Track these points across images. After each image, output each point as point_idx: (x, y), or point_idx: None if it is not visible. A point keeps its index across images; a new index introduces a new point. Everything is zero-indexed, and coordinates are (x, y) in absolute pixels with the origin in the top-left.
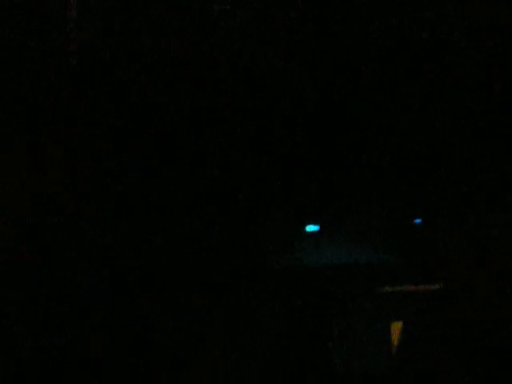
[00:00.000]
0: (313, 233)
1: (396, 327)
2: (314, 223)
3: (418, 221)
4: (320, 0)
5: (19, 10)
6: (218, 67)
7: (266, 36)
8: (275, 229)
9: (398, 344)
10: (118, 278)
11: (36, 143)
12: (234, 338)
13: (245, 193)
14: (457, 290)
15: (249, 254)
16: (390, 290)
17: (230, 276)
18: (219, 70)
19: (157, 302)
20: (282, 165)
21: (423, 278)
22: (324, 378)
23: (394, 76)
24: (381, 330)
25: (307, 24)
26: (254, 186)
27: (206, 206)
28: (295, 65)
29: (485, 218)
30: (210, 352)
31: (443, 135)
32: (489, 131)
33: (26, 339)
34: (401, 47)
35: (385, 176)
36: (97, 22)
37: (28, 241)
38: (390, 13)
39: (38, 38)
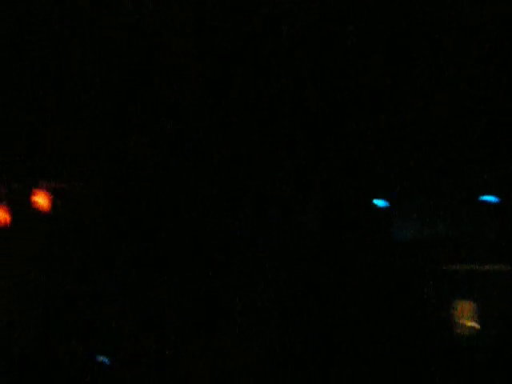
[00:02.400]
0: (382, 208)
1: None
2: (384, 198)
3: (489, 198)
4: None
5: None
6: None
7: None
8: (343, 205)
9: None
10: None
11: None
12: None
13: (312, 167)
14: None
15: (317, 231)
16: (461, 268)
17: (298, 252)
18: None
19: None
20: (351, 140)
21: (495, 254)
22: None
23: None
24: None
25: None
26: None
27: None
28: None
29: None
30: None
31: None
32: None
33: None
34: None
35: (458, 151)
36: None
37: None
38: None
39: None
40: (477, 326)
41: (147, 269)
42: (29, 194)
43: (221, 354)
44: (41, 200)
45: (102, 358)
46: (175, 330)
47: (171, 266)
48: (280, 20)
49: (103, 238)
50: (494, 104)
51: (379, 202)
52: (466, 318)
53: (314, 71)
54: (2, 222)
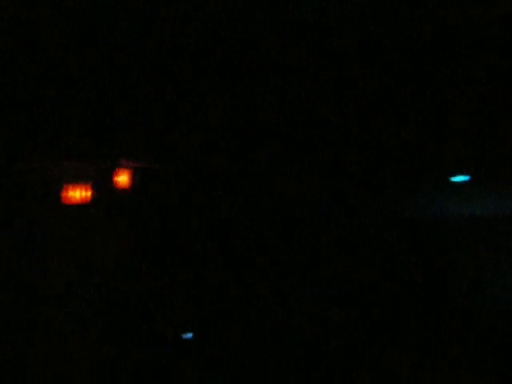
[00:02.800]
0: (462, 183)
1: None
2: (464, 174)
3: None
4: None
5: None
6: None
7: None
8: (423, 180)
9: None
10: None
11: None
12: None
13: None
14: None
15: (395, 205)
16: None
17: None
18: None
19: None
20: (432, 117)
21: None
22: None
23: None
24: None
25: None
26: (404, 137)
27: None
28: None
29: None
30: None
31: None
32: None
33: None
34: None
35: None
36: None
37: None
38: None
39: None
40: None
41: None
42: (111, 174)
43: None
44: (122, 179)
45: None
46: None
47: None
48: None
49: (181, 218)
50: None
51: (458, 178)
52: None
53: None
54: (84, 199)
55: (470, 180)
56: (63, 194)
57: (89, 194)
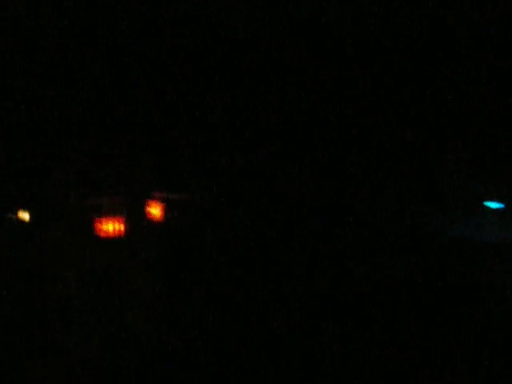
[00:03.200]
0: (496, 209)
1: None
2: (498, 201)
3: None
4: None
5: None
6: None
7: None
8: (457, 204)
9: None
10: None
11: None
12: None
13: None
14: None
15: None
16: None
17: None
18: None
19: None
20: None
21: None
22: None
23: None
24: None
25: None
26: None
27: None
28: None
29: None
30: None
31: None
32: None
33: None
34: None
35: None
36: None
37: None
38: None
39: None
40: None
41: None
42: (143, 205)
43: None
44: (155, 210)
45: None
46: None
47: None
48: None
49: (213, 247)
50: None
51: (492, 204)
52: None
53: None
54: (118, 231)
55: (504, 207)
56: (99, 227)
57: (123, 226)
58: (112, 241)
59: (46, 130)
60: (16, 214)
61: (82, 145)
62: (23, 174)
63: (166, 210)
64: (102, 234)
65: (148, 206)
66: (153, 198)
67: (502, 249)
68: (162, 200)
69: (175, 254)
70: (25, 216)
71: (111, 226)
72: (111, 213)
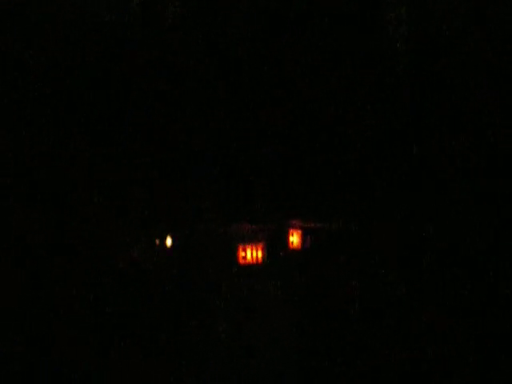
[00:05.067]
0: None
1: None
2: None
3: None
4: None
5: None
6: None
7: None
8: None
9: None
10: None
11: None
12: None
13: None
14: None
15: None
16: None
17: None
18: None
19: None
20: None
21: None
22: None
23: None
24: None
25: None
26: None
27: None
28: None
29: None
30: None
31: None
32: None
33: None
34: None
35: None
36: None
37: None
38: None
39: None
40: None
41: None
42: (285, 234)
43: None
44: (295, 239)
45: None
46: None
47: None
48: None
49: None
50: None
51: None
52: None
53: None
54: (259, 259)
55: None
56: (239, 254)
57: (261, 254)
58: (253, 267)
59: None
60: (161, 239)
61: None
62: (163, 200)
63: (306, 239)
64: (244, 261)
65: (288, 234)
66: (292, 226)
67: None
68: (302, 228)
69: (312, 283)
70: (168, 242)
71: (253, 253)
72: (252, 240)
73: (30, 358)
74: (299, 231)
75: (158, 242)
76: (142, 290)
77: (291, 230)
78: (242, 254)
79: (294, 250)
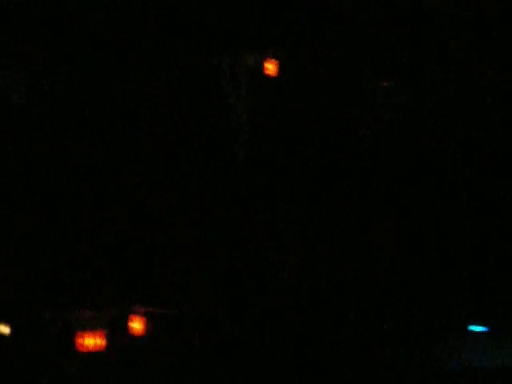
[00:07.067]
0: (479, 333)
1: None
2: (481, 324)
3: None
4: None
5: None
6: None
7: None
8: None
9: None
10: None
11: None
12: None
13: None
14: None
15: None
16: None
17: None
18: None
19: None
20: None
21: None
22: None
23: None
24: None
25: None
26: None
27: None
28: None
29: None
30: None
31: None
32: None
33: None
34: None
35: None
36: None
37: None
38: None
39: None
40: None
41: None
42: (125, 320)
43: None
44: (136, 325)
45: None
46: None
47: None
48: None
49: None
50: None
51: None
52: None
53: None
54: (99, 346)
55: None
56: (79, 341)
57: (104, 341)
58: (93, 355)
59: None
60: None
61: None
62: None
63: (149, 324)
64: (82, 349)
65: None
66: (135, 312)
67: (485, 374)
68: (145, 314)
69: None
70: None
71: (92, 341)
72: (92, 326)
73: None
74: (142, 317)
75: None
76: None
77: (133, 316)
78: (81, 341)
79: (136, 337)
